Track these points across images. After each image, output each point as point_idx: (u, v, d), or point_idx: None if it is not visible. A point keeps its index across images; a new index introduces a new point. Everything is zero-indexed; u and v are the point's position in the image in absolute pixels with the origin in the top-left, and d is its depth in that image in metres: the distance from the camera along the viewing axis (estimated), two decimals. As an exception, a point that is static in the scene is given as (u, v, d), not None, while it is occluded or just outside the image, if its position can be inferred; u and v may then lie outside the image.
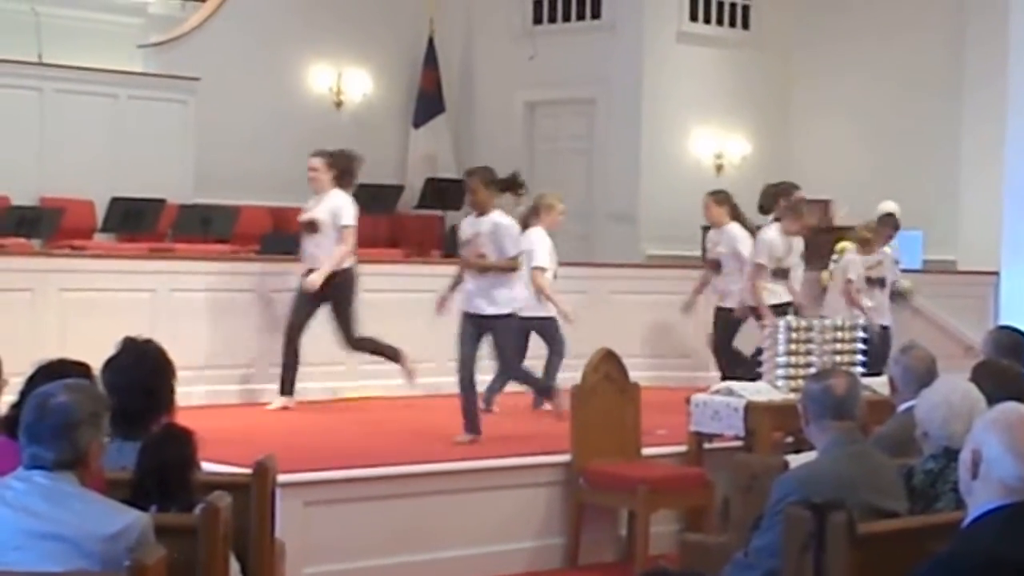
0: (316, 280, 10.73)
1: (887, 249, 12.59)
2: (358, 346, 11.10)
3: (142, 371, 5.38)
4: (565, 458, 8.97)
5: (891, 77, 16.87)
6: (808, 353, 9.36)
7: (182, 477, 4.95)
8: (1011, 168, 14.40)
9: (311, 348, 11.30)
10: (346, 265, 10.97)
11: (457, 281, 9.96)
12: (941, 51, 16.55)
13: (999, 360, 6.44)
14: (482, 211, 9.60)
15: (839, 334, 9.60)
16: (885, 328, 12.09)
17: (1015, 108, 14.25)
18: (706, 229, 12.66)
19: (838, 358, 9.35)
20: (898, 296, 12.88)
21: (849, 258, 12.32)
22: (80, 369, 5.04)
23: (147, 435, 5.13)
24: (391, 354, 11.11)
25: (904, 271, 13.39)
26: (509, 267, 9.54)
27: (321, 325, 11.53)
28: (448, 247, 15.42)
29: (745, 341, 11.52)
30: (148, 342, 5.55)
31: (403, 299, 12.13)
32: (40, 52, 15.08)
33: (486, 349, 9.81)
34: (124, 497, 4.58)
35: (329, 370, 11.64)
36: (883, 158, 16.81)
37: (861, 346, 9.65)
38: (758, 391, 9.31)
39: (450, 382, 11.67)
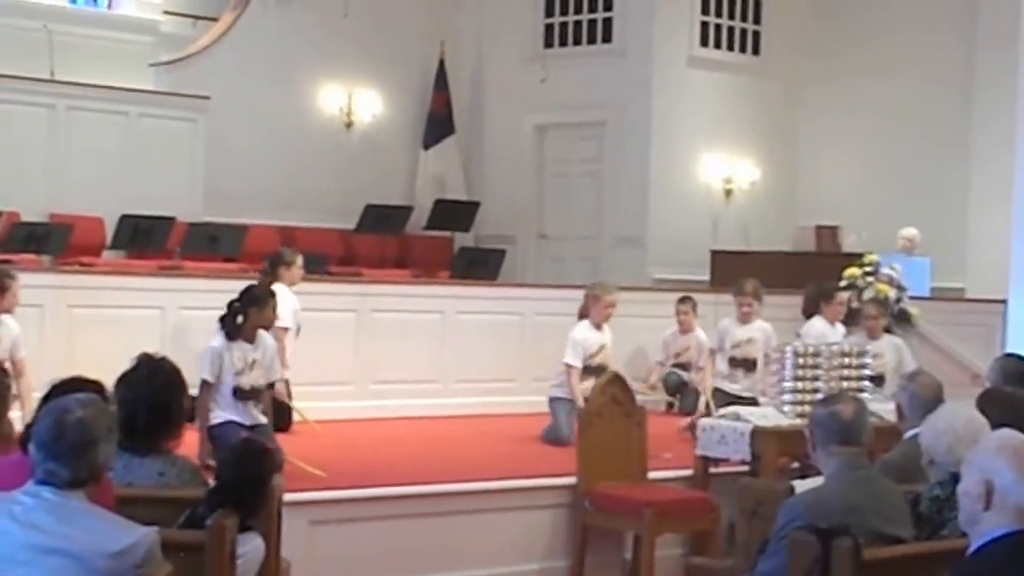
0: None
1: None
2: None
3: (156, 387, 5.39)
4: (571, 480, 8.96)
5: (901, 106, 16.91)
6: (815, 379, 9.37)
7: (258, 492, 5.00)
8: (1019, 196, 14.41)
9: (321, 369, 11.32)
10: None
11: None
12: (951, 85, 16.56)
13: (1005, 388, 6.44)
14: None
15: (846, 360, 9.60)
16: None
17: (1024, 138, 14.36)
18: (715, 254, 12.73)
19: (845, 384, 9.35)
20: (905, 322, 12.87)
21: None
22: (93, 387, 5.05)
23: (227, 448, 5.19)
24: None
25: (912, 298, 13.38)
26: None
27: (331, 342, 11.56)
28: (456, 269, 15.44)
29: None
30: (163, 359, 5.57)
31: (410, 319, 12.16)
32: (52, 69, 15.14)
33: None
34: (142, 513, 4.58)
35: (339, 390, 11.65)
36: (892, 185, 16.83)
37: (868, 371, 9.70)
38: (764, 416, 9.31)
39: (455, 403, 11.74)
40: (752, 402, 10.57)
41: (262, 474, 5.11)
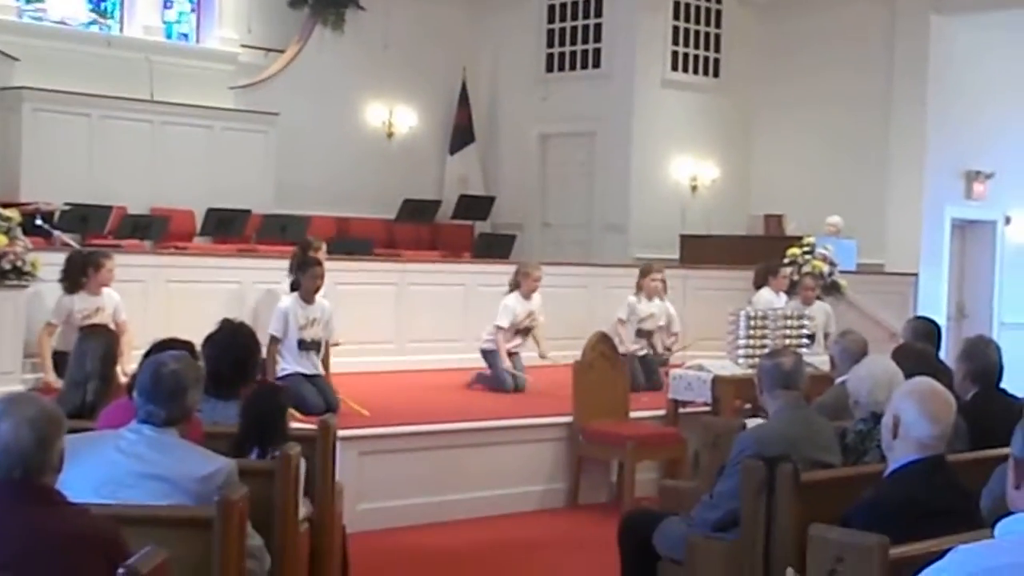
0: None
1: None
2: None
3: (235, 346, 5.39)
4: (568, 419, 8.97)
5: (833, 119, 16.71)
6: (763, 337, 9.37)
7: (275, 424, 4.96)
8: (928, 194, 14.52)
9: (368, 330, 11.30)
10: None
11: None
12: (873, 105, 16.29)
13: (916, 344, 6.42)
14: None
15: (788, 322, 9.60)
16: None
17: (932, 149, 14.46)
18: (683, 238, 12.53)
19: (787, 340, 9.34)
20: (836, 292, 12.84)
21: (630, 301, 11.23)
22: (185, 345, 5.05)
23: (243, 396, 5.14)
24: None
25: (842, 272, 13.34)
26: None
27: (376, 309, 11.54)
28: (476, 250, 15.41)
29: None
30: (241, 323, 5.57)
31: (441, 291, 12.16)
32: (152, 91, 15.11)
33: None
34: (224, 446, 4.57)
35: (382, 347, 11.64)
36: (826, 181, 16.70)
37: (806, 331, 9.69)
38: (723, 367, 9.31)
39: (476, 357, 11.71)
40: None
41: (275, 408, 5.05)
